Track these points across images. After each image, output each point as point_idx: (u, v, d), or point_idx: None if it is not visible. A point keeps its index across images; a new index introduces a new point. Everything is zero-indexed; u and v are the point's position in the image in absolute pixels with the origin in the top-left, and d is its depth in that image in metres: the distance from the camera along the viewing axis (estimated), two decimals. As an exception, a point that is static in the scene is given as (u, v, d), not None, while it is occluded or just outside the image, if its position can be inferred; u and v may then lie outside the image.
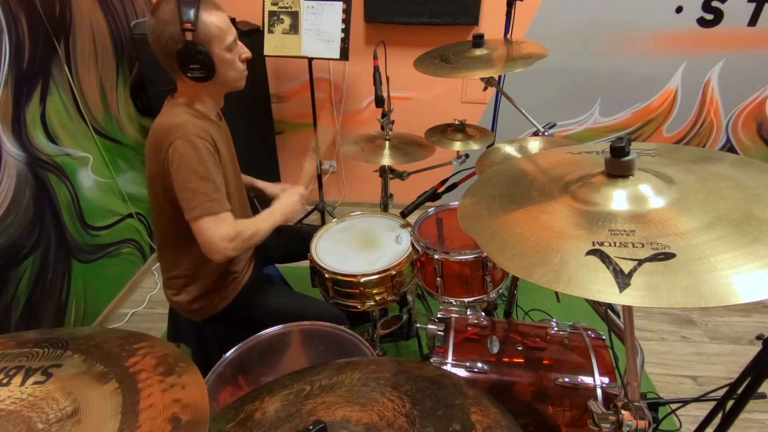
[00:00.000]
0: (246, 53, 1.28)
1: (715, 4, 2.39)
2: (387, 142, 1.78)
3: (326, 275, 1.46)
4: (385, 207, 1.95)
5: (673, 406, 1.49)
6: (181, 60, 1.17)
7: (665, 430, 1.52)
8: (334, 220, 1.75)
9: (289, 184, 1.63)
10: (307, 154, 1.63)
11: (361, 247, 1.60)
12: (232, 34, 1.22)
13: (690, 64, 2.57)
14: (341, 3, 2.27)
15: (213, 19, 1.17)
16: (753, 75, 2.57)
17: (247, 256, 1.52)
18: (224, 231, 1.19)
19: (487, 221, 0.78)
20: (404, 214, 1.73)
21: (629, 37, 2.52)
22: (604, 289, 0.58)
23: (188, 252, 1.32)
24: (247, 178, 1.63)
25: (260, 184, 1.67)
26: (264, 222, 1.34)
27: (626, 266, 0.59)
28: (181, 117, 1.21)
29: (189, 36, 1.14)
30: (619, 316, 1.20)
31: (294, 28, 2.35)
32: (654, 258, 0.59)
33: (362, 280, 1.42)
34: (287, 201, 1.45)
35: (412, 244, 1.43)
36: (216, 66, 1.20)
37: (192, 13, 1.13)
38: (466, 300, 1.39)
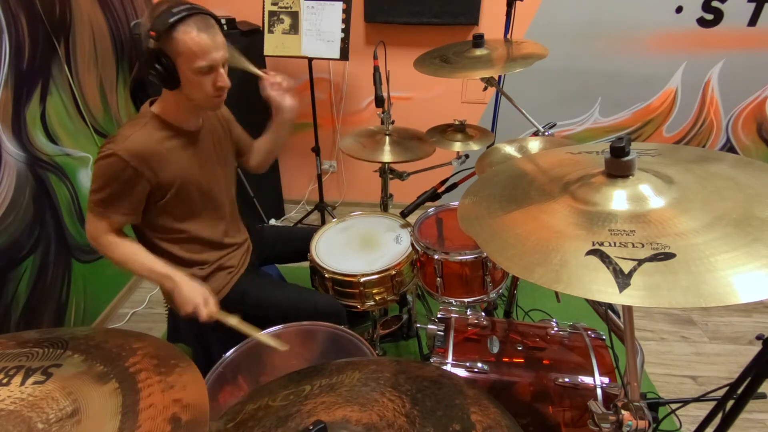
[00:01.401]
0: (222, 83, 1.21)
1: (715, 4, 2.39)
2: (387, 138, 1.78)
3: (326, 275, 1.46)
4: (385, 207, 1.95)
5: (673, 406, 1.49)
6: (145, 62, 1.17)
7: (665, 430, 1.52)
8: (334, 220, 1.75)
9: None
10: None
11: (361, 247, 1.60)
12: (207, 59, 1.15)
13: (690, 64, 2.57)
14: (341, 3, 2.27)
15: (186, 38, 1.12)
16: (753, 75, 2.57)
17: (242, 251, 1.52)
18: (91, 229, 1.26)
19: (487, 221, 0.78)
20: (404, 214, 1.73)
21: (629, 37, 2.52)
22: (604, 289, 0.58)
23: (160, 253, 1.33)
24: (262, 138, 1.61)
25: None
26: (139, 263, 1.25)
27: (626, 266, 0.59)
28: (133, 129, 1.22)
29: (151, 43, 1.13)
30: (619, 316, 1.20)
31: (294, 28, 2.35)
32: (654, 258, 0.59)
33: (362, 280, 1.43)
34: (191, 291, 1.22)
35: (412, 244, 1.43)
36: (180, 80, 1.18)
37: (166, 24, 1.11)
38: (466, 300, 1.39)
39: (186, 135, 1.32)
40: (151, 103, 1.31)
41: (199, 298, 1.21)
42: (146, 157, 1.21)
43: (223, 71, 1.21)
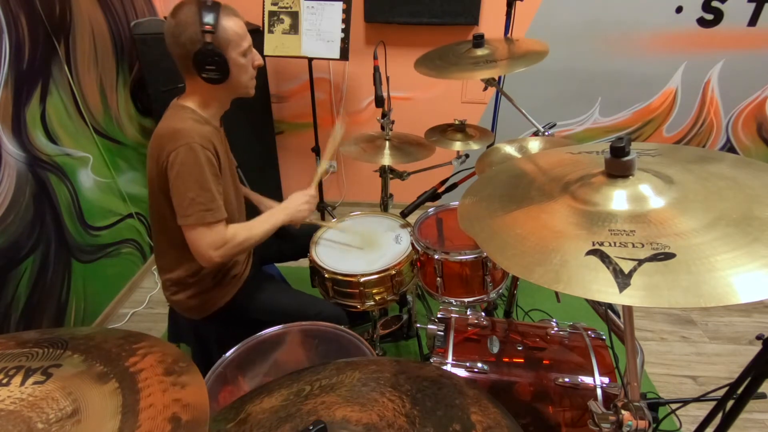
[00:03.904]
0: (258, 60, 1.31)
1: (715, 4, 2.39)
2: (387, 142, 1.78)
3: (326, 275, 1.46)
4: (385, 207, 1.95)
5: (673, 406, 1.49)
6: (198, 61, 1.19)
7: (665, 430, 1.52)
8: (334, 220, 1.75)
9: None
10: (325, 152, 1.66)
11: (361, 247, 1.59)
12: (247, 40, 1.25)
13: (690, 64, 2.57)
14: (341, 3, 2.27)
15: (231, 25, 1.21)
16: (753, 75, 2.57)
17: (245, 255, 1.52)
18: (212, 240, 1.23)
19: (487, 221, 0.78)
20: (404, 214, 1.73)
21: (629, 37, 2.52)
22: (604, 289, 0.58)
23: (189, 253, 1.32)
24: (243, 189, 1.63)
25: (255, 198, 1.68)
26: (259, 226, 1.35)
27: (626, 266, 0.59)
28: (186, 123, 1.22)
29: (208, 38, 1.17)
30: (619, 316, 1.20)
31: (294, 28, 2.35)
32: (654, 258, 0.59)
33: (362, 279, 1.42)
34: (294, 202, 1.46)
35: (412, 244, 1.43)
36: (230, 69, 1.23)
37: (212, 16, 1.17)
38: (466, 300, 1.39)
39: (217, 130, 1.34)
40: (179, 99, 1.31)
41: (305, 212, 1.46)
42: (211, 141, 1.24)
43: (255, 50, 1.30)
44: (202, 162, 1.19)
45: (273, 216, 1.41)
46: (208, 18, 1.16)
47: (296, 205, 1.46)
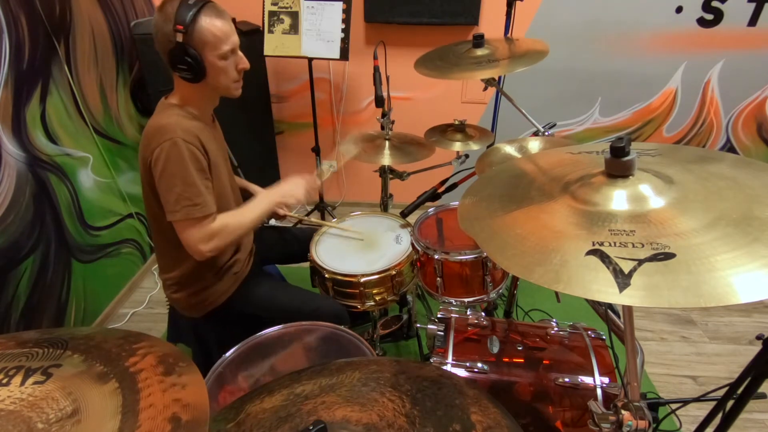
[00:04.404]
0: (243, 64, 1.28)
1: (715, 4, 2.39)
2: (387, 142, 1.78)
3: (326, 275, 1.46)
4: (385, 207, 1.95)
5: (673, 406, 1.49)
6: (171, 59, 1.19)
7: (665, 430, 1.52)
8: (334, 220, 1.75)
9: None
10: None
11: (361, 247, 1.60)
12: (229, 43, 1.22)
13: (690, 64, 2.57)
14: (341, 3, 2.27)
15: (210, 26, 1.17)
16: (753, 75, 2.57)
17: (246, 253, 1.52)
18: (201, 235, 1.22)
19: (487, 221, 0.78)
20: (404, 214, 1.73)
21: (629, 37, 2.52)
22: (604, 289, 0.57)
23: (187, 251, 1.32)
24: (241, 182, 1.63)
25: (254, 188, 1.67)
26: (249, 212, 1.35)
27: (626, 266, 0.59)
28: (170, 119, 1.22)
29: (180, 38, 1.15)
30: (619, 316, 1.20)
31: (294, 28, 2.35)
32: (654, 258, 0.59)
33: (362, 280, 1.43)
34: (288, 183, 1.46)
35: (412, 244, 1.43)
36: (206, 70, 1.21)
37: (188, 15, 1.14)
38: (466, 300, 1.39)
39: (207, 126, 1.33)
40: (166, 98, 1.31)
41: (299, 195, 1.45)
42: (196, 136, 1.23)
43: (241, 54, 1.26)
44: (185, 157, 1.18)
45: (264, 198, 1.40)
46: (183, 16, 1.14)
47: (290, 186, 1.45)
